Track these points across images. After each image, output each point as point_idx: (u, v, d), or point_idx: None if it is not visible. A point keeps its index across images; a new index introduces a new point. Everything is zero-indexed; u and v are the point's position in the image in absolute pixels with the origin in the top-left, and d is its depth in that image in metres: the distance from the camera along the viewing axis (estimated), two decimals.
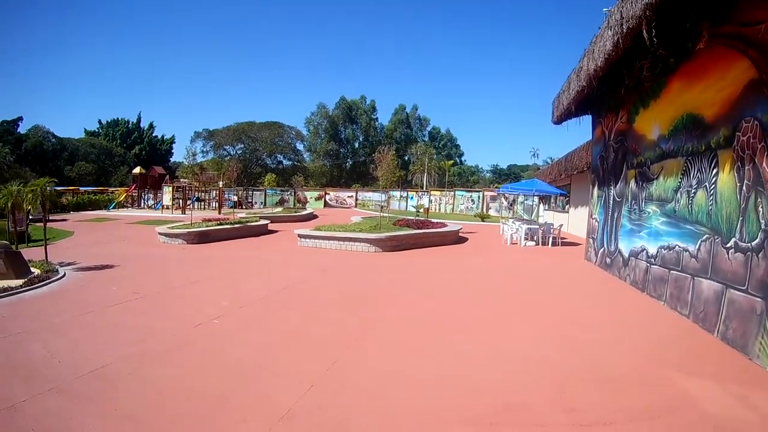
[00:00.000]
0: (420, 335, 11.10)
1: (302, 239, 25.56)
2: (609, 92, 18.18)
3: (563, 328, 10.92)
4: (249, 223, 31.48)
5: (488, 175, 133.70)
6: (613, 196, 17.91)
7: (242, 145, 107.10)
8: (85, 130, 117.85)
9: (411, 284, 16.87)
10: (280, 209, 52.99)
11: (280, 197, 68.57)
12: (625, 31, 12.05)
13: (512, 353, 9.59)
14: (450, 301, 14.54)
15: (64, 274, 17.43)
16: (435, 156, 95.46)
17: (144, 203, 66.70)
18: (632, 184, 16.07)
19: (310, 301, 14.11)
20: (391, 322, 12.14)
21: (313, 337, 10.78)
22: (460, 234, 28.15)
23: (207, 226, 28.64)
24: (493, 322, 12.09)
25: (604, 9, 13.66)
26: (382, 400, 7.64)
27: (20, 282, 15.73)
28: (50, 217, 40.02)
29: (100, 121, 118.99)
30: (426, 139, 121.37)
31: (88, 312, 12.71)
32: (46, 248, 19.98)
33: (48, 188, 19.48)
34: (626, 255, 16.25)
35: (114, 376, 8.46)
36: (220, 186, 57.30)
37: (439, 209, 59.43)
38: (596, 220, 19.30)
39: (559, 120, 21.02)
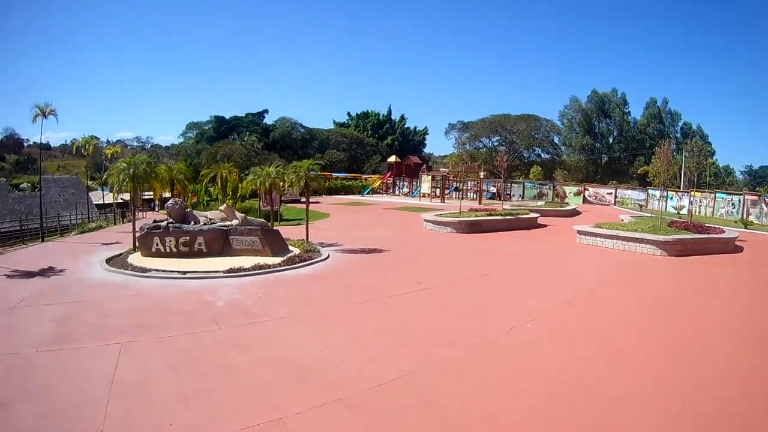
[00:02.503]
0: None
1: (581, 236, 22.80)
2: None
3: None
4: (519, 216, 29.40)
5: (741, 176, 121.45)
6: None
7: (498, 137, 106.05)
8: (335, 121, 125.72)
9: (731, 297, 13.17)
10: (541, 203, 50.51)
11: (538, 191, 65.97)
12: None
13: None
14: None
15: (328, 256, 16.57)
16: (711, 155, 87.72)
17: (398, 190, 68.18)
18: None
19: (626, 309, 11.50)
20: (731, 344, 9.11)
21: (651, 356, 8.43)
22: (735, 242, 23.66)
23: (477, 216, 26.94)
24: None
25: None
26: None
27: (278, 260, 15.16)
28: (304, 199, 40.21)
29: (349, 113, 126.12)
30: (678, 135, 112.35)
31: (368, 300, 11.27)
32: (307, 228, 19.69)
33: (311, 170, 19.49)
34: None
35: (424, 389, 6.54)
36: (481, 177, 56.13)
37: (699, 212, 53.59)
38: None
39: None
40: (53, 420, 6.01)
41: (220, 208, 18.05)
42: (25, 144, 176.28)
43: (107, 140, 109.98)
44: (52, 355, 8.26)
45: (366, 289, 12.30)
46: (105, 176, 64.96)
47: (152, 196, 36.72)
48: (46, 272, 16.22)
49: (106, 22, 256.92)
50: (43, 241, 28.86)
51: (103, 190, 66.27)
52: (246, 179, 21.41)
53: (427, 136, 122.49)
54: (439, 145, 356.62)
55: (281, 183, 19.78)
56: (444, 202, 48.24)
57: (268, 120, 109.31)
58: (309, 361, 7.39)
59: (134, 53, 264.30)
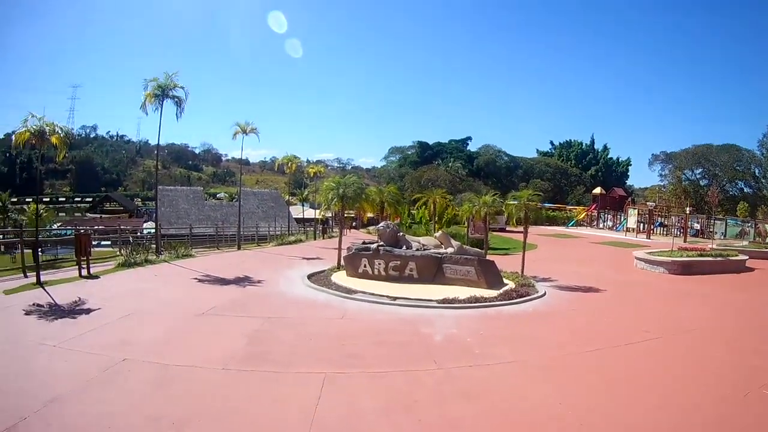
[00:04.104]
0: None
1: None
2: None
3: None
4: (729, 257, 26.81)
5: None
6: None
7: (701, 169, 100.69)
8: (538, 150, 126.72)
9: None
10: (744, 242, 46.66)
11: (740, 228, 61.47)
12: None
13: None
14: None
15: (545, 293, 15.27)
16: None
17: (602, 224, 66.49)
18: None
19: None
20: None
21: None
22: None
23: (688, 256, 24.73)
24: None
25: None
26: None
27: (494, 293, 14.15)
28: (509, 228, 41.86)
29: (552, 142, 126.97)
30: None
31: (595, 349, 9.84)
32: (524, 260, 18.58)
33: (531, 200, 18.88)
34: None
35: None
36: (687, 212, 53.35)
37: None
38: None
39: None
40: None
41: (435, 234, 17.90)
42: (223, 158, 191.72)
43: (307, 160, 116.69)
44: (241, 375, 7.84)
45: (591, 335, 11.02)
46: (305, 192, 68.44)
47: (353, 214, 37.67)
48: (242, 281, 16.15)
49: (314, 49, 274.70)
50: (239, 248, 29.53)
51: (303, 205, 69.51)
52: (461, 206, 21.79)
53: (630, 168, 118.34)
54: (637, 176, 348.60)
55: (491, 211, 19.54)
56: (649, 238, 45.82)
57: (472, 147, 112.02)
58: (546, 421, 6.32)
59: (339, 81, 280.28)
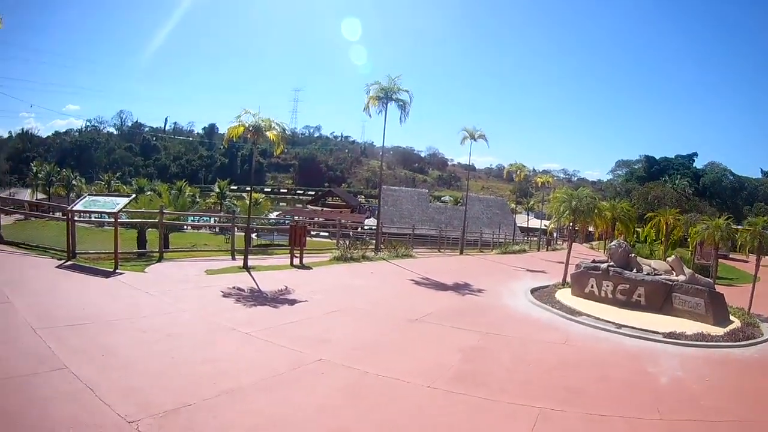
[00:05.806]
0: None
1: None
2: None
3: None
4: None
5: None
6: None
7: None
8: (762, 170, 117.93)
9: None
10: None
11: None
12: None
13: None
14: None
15: None
16: None
17: None
18: None
19: None
20: None
21: None
22: None
23: None
24: None
25: None
26: None
27: (720, 332, 12.55)
28: (732, 255, 39.25)
29: None
30: None
31: None
32: (752, 295, 16.52)
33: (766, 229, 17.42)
34: None
35: None
36: None
37: None
38: None
39: None
40: None
41: (668, 259, 16.60)
42: (449, 163, 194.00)
43: (533, 169, 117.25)
44: (447, 397, 7.05)
45: None
46: (531, 202, 67.51)
47: (577, 228, 37.14)
48: (461, 288, 15.86)
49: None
50: (461, 253, 29.31)
51: (527, 214, 68.86)
52: (693, 227, 20.98)
53: None
54: None
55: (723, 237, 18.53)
56: None
57: (697, 164, 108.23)
58: None
59: (564, 89, 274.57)
